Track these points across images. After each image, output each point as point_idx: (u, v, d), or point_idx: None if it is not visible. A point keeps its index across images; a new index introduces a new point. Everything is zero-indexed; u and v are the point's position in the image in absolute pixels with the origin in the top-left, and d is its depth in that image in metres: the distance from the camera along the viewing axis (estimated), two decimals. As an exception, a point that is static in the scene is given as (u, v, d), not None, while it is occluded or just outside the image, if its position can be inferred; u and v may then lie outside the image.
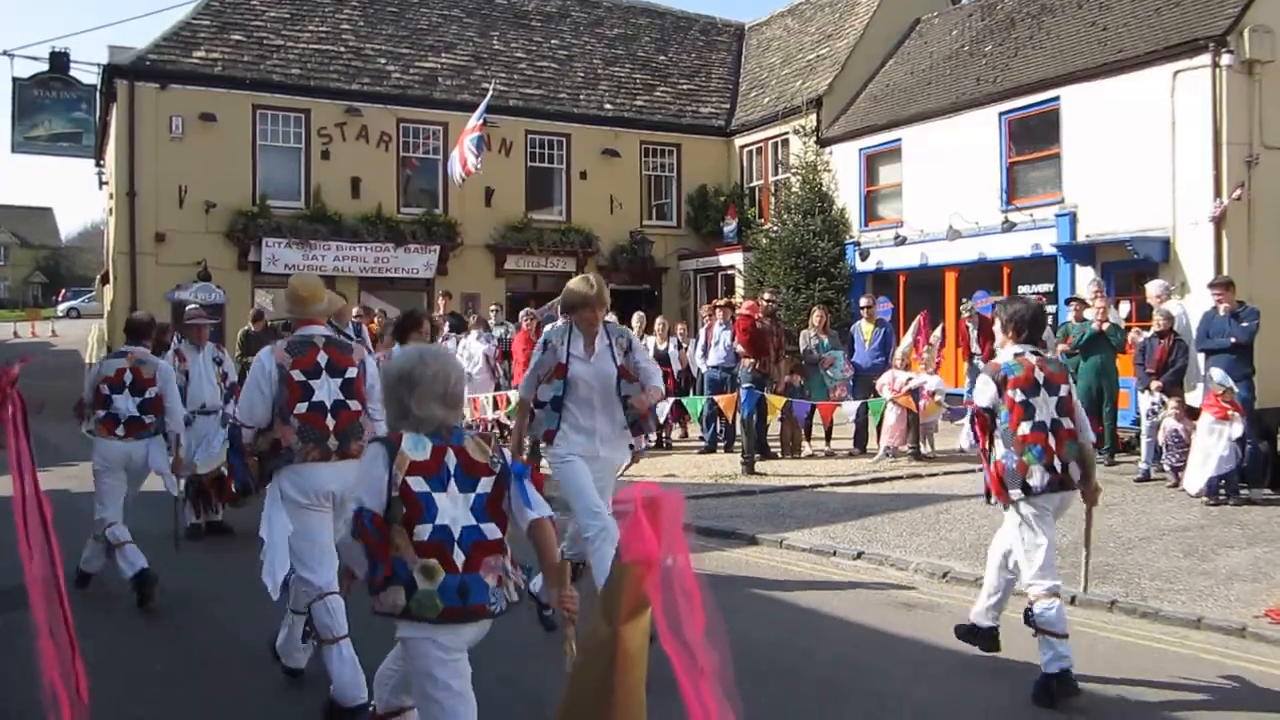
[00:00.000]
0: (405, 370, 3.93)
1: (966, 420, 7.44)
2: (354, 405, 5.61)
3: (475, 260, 23.82)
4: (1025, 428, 5.73)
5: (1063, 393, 5.82)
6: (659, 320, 17.48)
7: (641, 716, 3.04)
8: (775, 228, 23.03)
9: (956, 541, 9.46)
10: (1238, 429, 10.80)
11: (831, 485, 12.62)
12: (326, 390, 5.55)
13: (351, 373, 5.65)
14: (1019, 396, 5.78)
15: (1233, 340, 11.53)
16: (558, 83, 25.76)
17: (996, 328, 6.86)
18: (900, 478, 13.06)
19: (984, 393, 5.93)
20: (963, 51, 22.01)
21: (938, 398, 14.26)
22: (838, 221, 22.41)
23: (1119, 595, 7.63)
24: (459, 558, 3.73)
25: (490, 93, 21.28)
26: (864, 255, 21.96)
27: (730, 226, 24.87)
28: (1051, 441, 5.72)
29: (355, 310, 16.02)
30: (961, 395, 15.02)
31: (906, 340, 15.15)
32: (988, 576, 6.29)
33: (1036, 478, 5.67)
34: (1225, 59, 15.73)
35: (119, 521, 7.74)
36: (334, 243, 22.21)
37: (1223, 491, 10.81)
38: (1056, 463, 5.70)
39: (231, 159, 21.54)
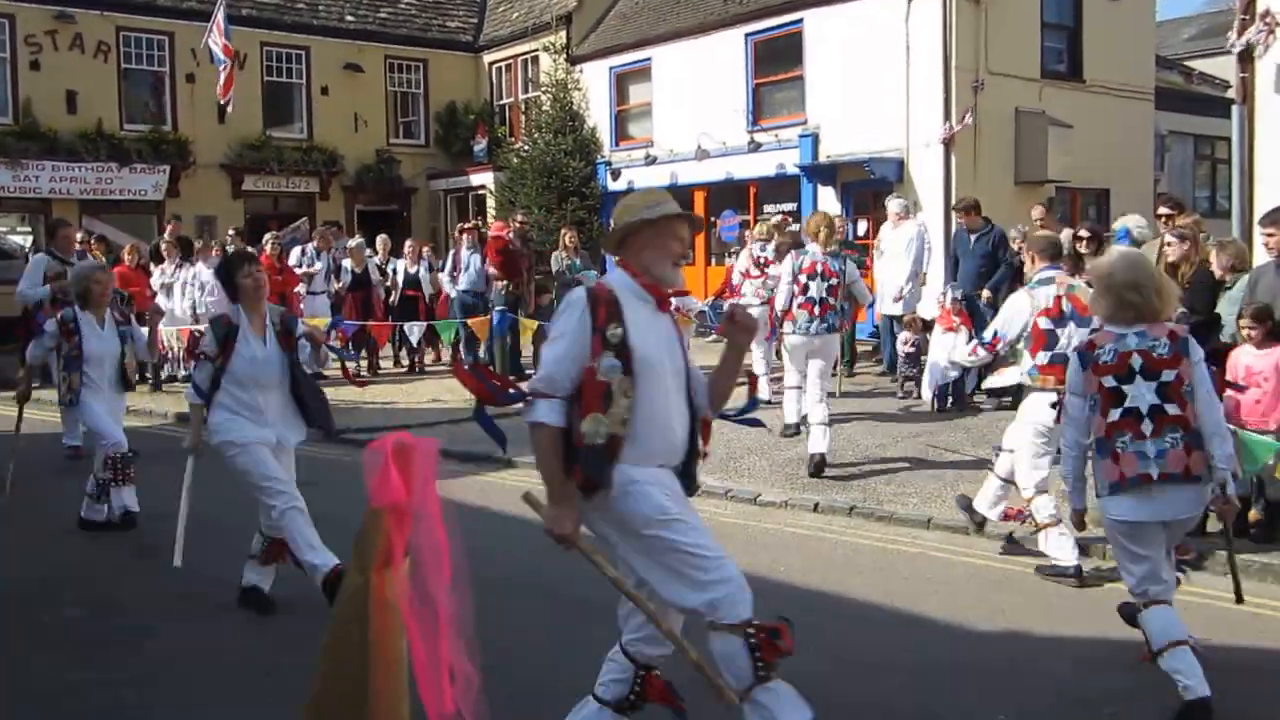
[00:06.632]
0: None
1: None
2: None
3: (210, 181, 22.43)
4: None
5: None
6: (408, 243, 16.99)
7: (402, 677, 2.91)
8: (526, 147, 22.73)
9: (707, 456, 9.65)
10: (963, 340, 11.37)
11: (586, 405, 12.63)
12: None
13: None
14: None
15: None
16: (295, -9, 24.45)
17: None
18: (653, 395, 13.19)
19: None
20: (710, -29, 22.13)
21: (689, 314, 14.48)
22: (589, 141, 22.30)
23: (858, 501, 7.99)
24: None
25: (222, 2, 19.90)
26: (615, 175, 21.98)
27: (480, 145, 24.39)
28: None
29: (80, 236, 14.76)
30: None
31: (657, 259, 15.25)
32: None
33: None
34: (955, -13, 16.38)
35: None
36: (49, 162, 20.48)
37: (950, 399, 11.42)
38: None
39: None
